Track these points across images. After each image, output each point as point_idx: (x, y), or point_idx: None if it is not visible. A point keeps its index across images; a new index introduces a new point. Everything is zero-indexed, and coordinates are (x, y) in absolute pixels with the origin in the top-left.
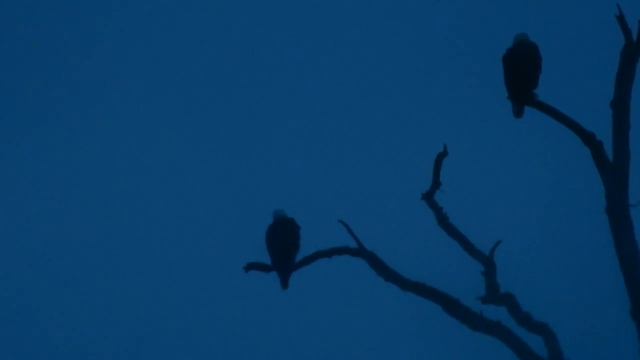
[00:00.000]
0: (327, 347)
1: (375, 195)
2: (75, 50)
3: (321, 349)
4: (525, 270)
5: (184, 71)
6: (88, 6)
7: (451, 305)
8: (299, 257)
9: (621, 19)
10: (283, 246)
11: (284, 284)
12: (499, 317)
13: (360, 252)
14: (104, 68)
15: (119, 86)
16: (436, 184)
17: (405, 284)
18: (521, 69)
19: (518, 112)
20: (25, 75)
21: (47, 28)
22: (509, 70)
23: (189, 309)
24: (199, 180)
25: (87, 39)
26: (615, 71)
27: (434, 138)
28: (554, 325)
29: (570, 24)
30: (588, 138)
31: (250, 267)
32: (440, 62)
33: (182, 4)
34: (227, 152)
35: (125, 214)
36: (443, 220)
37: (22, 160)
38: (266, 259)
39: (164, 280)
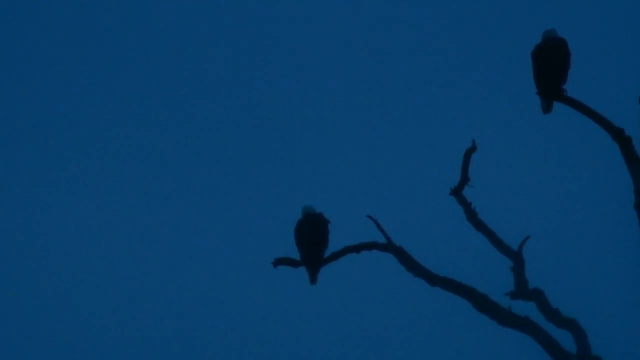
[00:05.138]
0: (354, 343)
1: (404, 191)
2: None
3: (349, 345)
4: (554, 266)
5: (211, 59)
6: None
7: (480, 301)
8: (327, 253)
9: None
10: (312, 241)
11: (313, 279)
12: (528, 313)
13: (388, 247)
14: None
15: (133, 75)
16: (465, 179)
17: (434, 280)
18: (551, 64)
19: (547, 108)
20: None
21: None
22: (538, 66)
23: (218, 306)
24: (227, 176)
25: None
26: None
27: (462, 133)
28: (582, 321)
29: (597, 19)
30: (617, 134)
31: (279, 262)
32: (469, 57)
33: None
34: (255, 148)
35: (151, 208)
36: (472, 216)
37: (27, 162)
38: (294, 255)
39: (187, 279)
